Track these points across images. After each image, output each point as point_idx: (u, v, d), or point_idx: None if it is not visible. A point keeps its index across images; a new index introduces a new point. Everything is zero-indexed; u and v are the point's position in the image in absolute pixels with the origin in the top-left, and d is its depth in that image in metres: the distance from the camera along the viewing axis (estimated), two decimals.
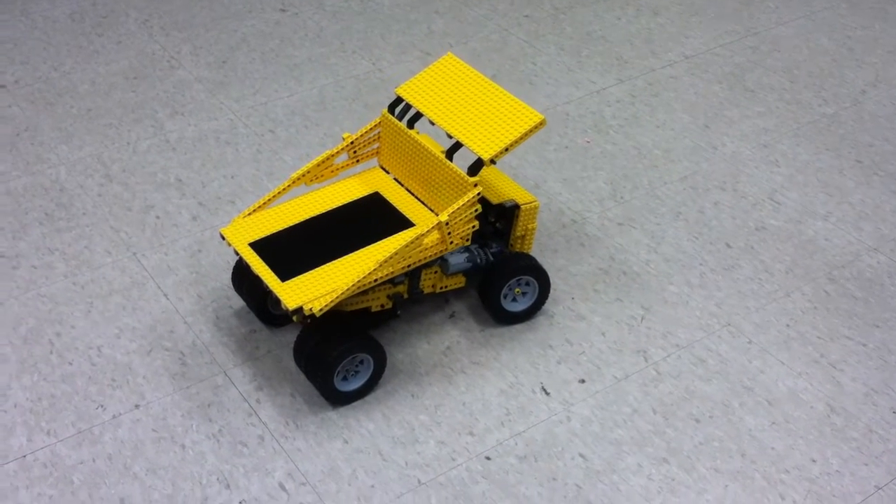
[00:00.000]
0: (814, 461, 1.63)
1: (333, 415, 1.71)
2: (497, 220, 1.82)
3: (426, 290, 1.79)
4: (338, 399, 1.71)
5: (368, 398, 1.73)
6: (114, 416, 1.68)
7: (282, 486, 1.59)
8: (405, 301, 1.79)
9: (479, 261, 1.79)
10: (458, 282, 1.82)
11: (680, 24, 2.85)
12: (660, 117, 2.45)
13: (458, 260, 1.76)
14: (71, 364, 1.77)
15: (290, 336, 1.84)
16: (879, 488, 1.59)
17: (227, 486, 1.58)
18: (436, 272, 1.77)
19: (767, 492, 1.58)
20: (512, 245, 1.85)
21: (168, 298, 1.91)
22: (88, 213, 2.10)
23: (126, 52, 2.64)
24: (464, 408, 1.73)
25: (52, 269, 1.96)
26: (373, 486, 1.59)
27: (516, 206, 1.79)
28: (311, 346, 1.66)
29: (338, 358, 1.65)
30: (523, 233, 1.83)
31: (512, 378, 1.78)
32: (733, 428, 1.69)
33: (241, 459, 1.63)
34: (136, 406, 1.70)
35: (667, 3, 2.95)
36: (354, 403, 1.72)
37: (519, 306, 1.85)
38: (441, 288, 1.80)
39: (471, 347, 1.84)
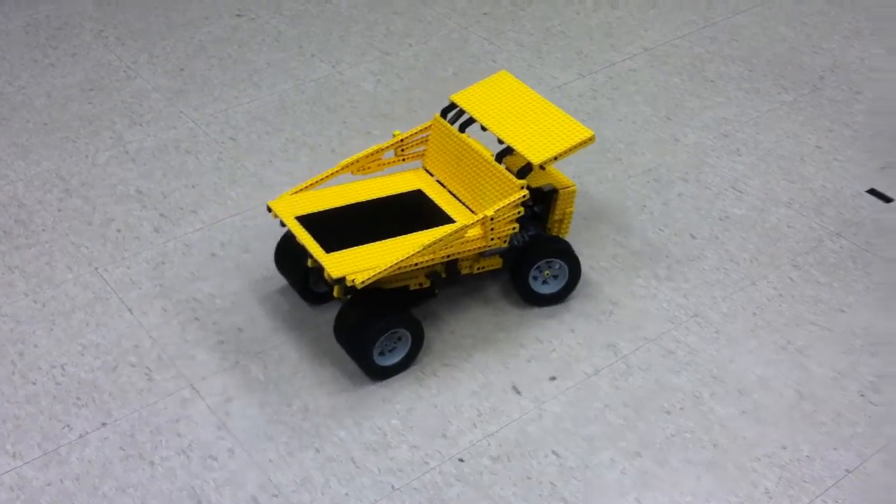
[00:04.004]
0: (784, 448, 1.64)
1: (305, 424, 1.69)
2: (535, 203, 1.88)
3: (464, 271, 1.85)
4: (376, 373, 1.76)
5: (338, 405, 1.72)
6: (80, 436, 1.66)
7: (254, 499, 1.57)
8: (443, 280, 1.84)
9: (515, 242, 1.84)
10: (495, 263, 1.87)
11: (638, 16, 2.85)
12: (622, 110, 2.45)
13: None
14: (34, 384, 1.75)
15: (256, 346, 1.83)
16: (849, 472, 1.60)
17: (199, 502, 1.57)
18: (475, 253, 1.83)
19: (740, 480, 1.59)
20: (549, 229, 1.91)
21: (132, 313, 1.89)
22: (48, 228, 2.08)
23: (82, 64, 2.61)
24: (436, 410, 1.72)
25: (12, 288, 1.93)
26: (346, 495, 1.58)
27: (554, 191, 1.86)
28: (351, 322, 1.72)
29: (378, 332, 1.71)
30: (561, 217, 1.89)
31: (483, 378, 1.78)
32: (704, 418, 1.69)
33: (212, 474, 1.61)
34: (103, 424, 1.68)
35: None
36: (324, 410, 1.71)
37: (549, 289, 1.88)
38: (479, 269, 1.86)
39: (442, 349, 1.83)
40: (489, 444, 1.66)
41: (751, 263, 2.00)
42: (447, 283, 1.83)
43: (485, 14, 2.88)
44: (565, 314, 1.90)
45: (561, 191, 1.85)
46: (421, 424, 1.70)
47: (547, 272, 1.86)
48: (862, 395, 1.72)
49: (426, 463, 1.63)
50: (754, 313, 1.89)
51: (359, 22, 2.85)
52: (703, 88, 2.54)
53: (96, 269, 1.98)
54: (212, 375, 1.77)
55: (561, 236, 1.91)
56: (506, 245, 1.81)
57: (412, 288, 1.80)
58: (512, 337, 1.85)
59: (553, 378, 1.78)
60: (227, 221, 2.13)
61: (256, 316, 1.90)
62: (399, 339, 1.75)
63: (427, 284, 1.81)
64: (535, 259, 1.83)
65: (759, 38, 2.73)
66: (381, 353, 1.75)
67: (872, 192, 2.17)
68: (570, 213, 1.89)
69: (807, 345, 1.82)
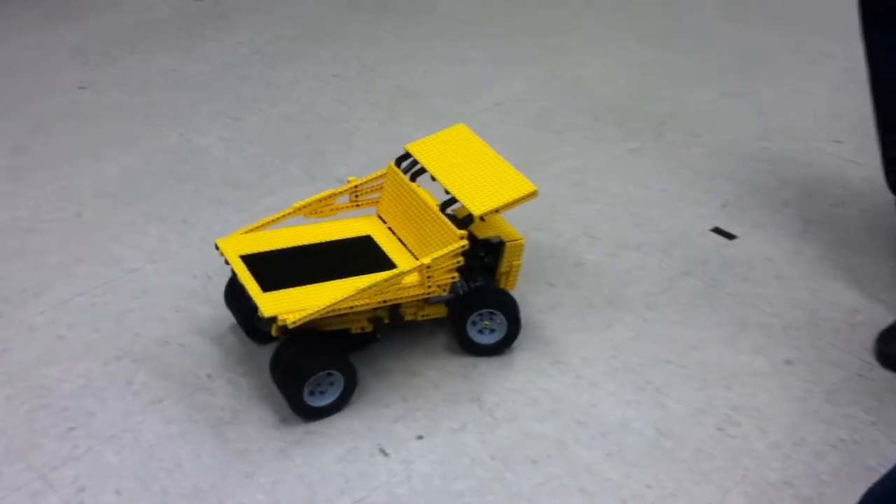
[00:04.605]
0: (649, 487, 1.66)
1: None
2: (486, 254, 1.90)
3: (408, 317, 1.86)
4: (306, 413, 1.76)
5: (200, 485, 1.66)
6: None
7: None
8: (386, 326, 1.85)
9: (460, 292, 1.87)
10: (440, 312, 1.89)
11: (486, 72, 2.92)
12: None
13: None
14: None
15: (109, 430, 1.75)
16: None
17: None
18: (418, 301, 1.83)
19: None
20: (497, 280, 1.92)
21: None
22: None
23: None
24: (301, 481, 1.68)
25: None
26: None
27: (501, 243, 1.88)
28: (285, 361, 1.75)
29: (309, 372, 1.72)
30: (508, 269, 1.92)
31: (349, 443, 1.75)
32: (570, 464, 1.70)
33: None
34: None
35: (472, 54, 3.02)
36: (185, 492, 1.65)
37: (487, 339, 1.90)
38: (423, 316, 1.88)
39: None
40: None
41: (606, 307, 2.04)
42: (390, 328, 1.86)
43: (335, 76, 2.90)
44: (428, 371, 1.89)
45: (508, 243, 1.89)
46: (287, 497, 1.65)
47: (487, 322, 1.88)
48: (719, 429, 1.77)
49: None
50: (612, 356, 1.92)
51: (207, 89, 2.82)
52: (552, 140, 2.60)
53: None
54: (63, 464, 1.69)
55: (508, 289, 1.94)
56: (446, 294, 1.84)
57: (354, 331, 1.82)
58: (375, 398, 1.83)
59: (420, 437, 1.76)
60: (74, 301, 2.05)
61: (108, 398, 1.83)
62: (332, 381, 1.77)
63: (369, 329, 1.83)
64: (474, 308, 1.87)
65: (602, 89, 2.83)
66: (313, 394, 1.76)
67: (716, 230, 2.26)
68: (518, 265, 1.93)
69: (664, 383, 1.86)
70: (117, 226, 2.26)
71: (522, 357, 1.92)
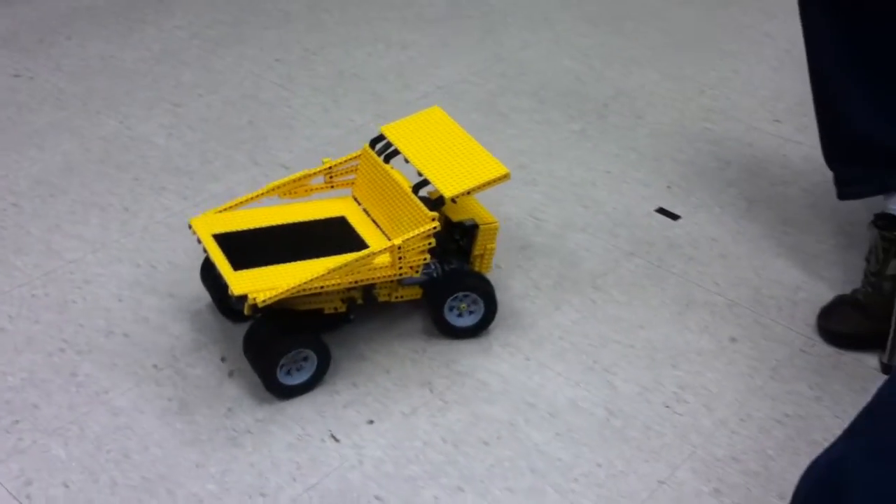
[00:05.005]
0: (599, 465, 1.68)
1: (113, 499, 1.60)
2: (462, 237, 1.91)
3: (381, 299, 1.86)
4: (279, 392, 1.77)
5: (149, 475, 1.64)
6: None
7: None
8: (360, 307, 1.86)
9: (434, 275, 1.87)
10: (415, 293, 1.90)
11: (430, 56, 2.91)
12: None
13: None
14: None
15: (55, 422, 1.72)
16: (662, 482, 1.65)
17: None
18: (392, 282, 1.84)
19: (560, 503, 1.62)
20: (471, 264, 1.93)
21: None
22: None
23: None
24: (252, 469, 1.67)
25: None
26: None
27: (475, 226, 1.89)
28: (258, 339, 1.76)
29: (283, 351, 1.73)
30: (482, 252, 1.92)
31: (299, 430, 1.74)
32: (521, 445, 1.71)
33: None
34: None
35: (415, 37, 3.01)
36: (134, 482, 1.63)
37: (464, 322, 1.91)
38: (397, 298, 1.88)
39: (254, 404, 1.78)
40: (311, 498, 1.62)
41: (554, 289, 2.05)
42: (364, 309, 1.87)
43: (276, 60, 2.86)
44: (378, 356, 1.89)
45: (482, 226, 1.90)
46: (238, 486, 1.64)
47: (463, 305, 1.89)
48: (667, 407, 1.79)
49: None
50: (561, 337, 1.93)
51: (145, 75, 2.77)
52: (497, 123, 2.60)
53: None
54: (8, 458, 1.65)
55: (482, 272, 1.94)
56: (418, 275, 1.84)
57: (327, 311, 1.82)
58: (325, 384, 1.82)
59: (371, 422, 1.76)
60: (13, 293, 2.00)
61: (53, 390, 1.80)
62: (305, 359, 1.78)
63: (343, 309, 1.83)
64: (450, 291, 1.87)
65: (546, 72, 2.83)
66: (288, 373, 1.77)
67: (661, 210, 2.28)
68: (492, 249, 1.94)
69: (612, 363, 1.88)
70: (56, 215, 2.22)
71: (472, 340, 1.92)
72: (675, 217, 2.26)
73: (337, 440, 1.72)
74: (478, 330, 1.93)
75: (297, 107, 2.65)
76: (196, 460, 1.68)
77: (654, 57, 2.90)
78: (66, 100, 2.63)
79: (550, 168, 2.42)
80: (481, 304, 1.90)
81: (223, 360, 1.87)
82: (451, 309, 1.89)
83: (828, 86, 1.93)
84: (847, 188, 2.00)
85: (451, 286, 1.88)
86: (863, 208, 2.15)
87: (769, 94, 2.71)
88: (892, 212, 1.91)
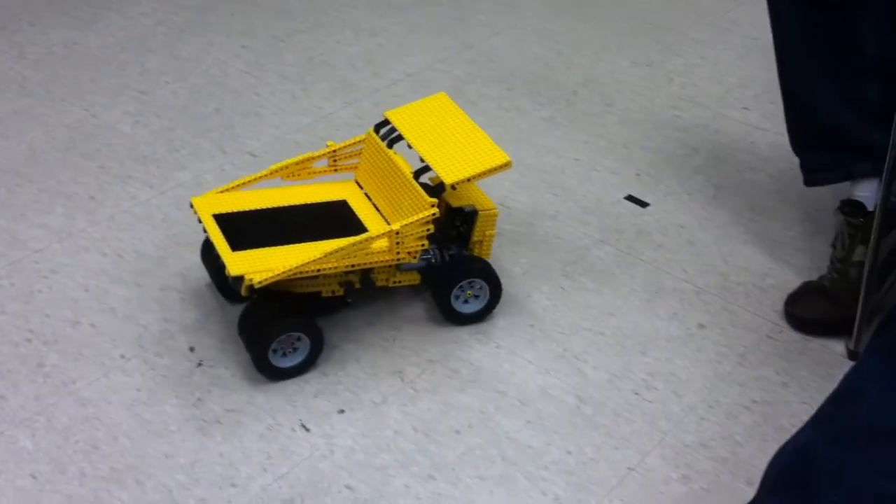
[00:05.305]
0: (569, 453, 1.69)
1: (82, 490, 1.59)
2: (462, 223, 1.92)
3: (379, 283, 1.86)
4: (271, 374, 1.77)
5: (116, 466, 1.63)
6: None
7: None
8: (357, 292, 1.86)
9: (433, 261, 1.87)
10: (413, 279, 1.90)
11: (399, 43, 2.89)
12: None
13: None
14: None
15: (22, 413, 1.70)
16: (632, 469, 1.66)
17: None
18: (390, 266, 1.84)
19: (530, 490, 1.62)
20: (470, 249, 1.93)
21: None
22: None
23: None
24: (222, 459, 1.66)
25: None
26: None
27: (475, 212, 1.89)
28: (252, 320, 1.76)
29: (276, 333, 1.72)
30: (481, 238, 1.93)
31: (270, 420, 1.73)
32: (492, 433, 1.72)
33: None
34: None
35: (384, 24, 2.99)
36: (102, 473, 1.61)
37: (470, 308, 1.91)
38: (395, 283, 1.88)
39: (223, 394, 1.77)
40: (281, 487, 1.62)
41: (524, 276, 2.06)
42: (362, 293, 1.87)
43: (244, 47, 2.84)
44: (348, 344, 1.88)
45: (481, 212, 1.90)
46: (207, 476, 1.63)
47: (469, 292, 1.89)
48: (637, 394, 1.80)
49: None
50: (531, 325, 1.94)
51: (110, 62, 2.73)
52: (466, 110, 2.57)
53: None
54: None
55: (482, 256, 1.96)
56: (416, 261, 1.84)
57: (324, 295, 1.82)
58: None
59: (342, 411, 1.75)
60: None
61: (19, 381, 1.78)
62: (298, 342, 1.78)
63: (340, 293, 1.83)
64: (457, 279, 1.88)
65: (515, 59, 2.83)
66: (280, 354, 1.77)
67: (630, 198, 2.29)
68: (491, 235, 1.94)
69: (583, 350, 1.88)
70: (21, 205, 2.19)
71: (442, 328, 1.92)
72: (644, 204, 2.27)
73: (307, 430, 1.72)
74: (483, 315, 1.93)
75: (266, 94, 2.63)
76: (165, 451, 1.67)
77: (622, 44, 2.91)
78: (29, 87, 2.59)
79: (520, 155, 2.42)
80: (486, 290, 1.91)
81: (192, 349, 1.85)
82: (456, 297, 1.90)
83: (795, 73, 1.94)
84: (814, 175, 2.02)
85: (458, 274, 1.89)
86: (829, 195, 2.17)
87: (736, 82, 2.72)
88: (858, 198, 1.92)
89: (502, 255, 2.10)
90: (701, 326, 1.94)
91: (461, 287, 1.89)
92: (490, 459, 1.67)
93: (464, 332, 1.91)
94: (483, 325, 1.93)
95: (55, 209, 2.19)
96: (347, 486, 1.62)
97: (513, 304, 1.98)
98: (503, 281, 1.99)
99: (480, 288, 1.91)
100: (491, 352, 1.88)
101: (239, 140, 2.45)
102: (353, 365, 1.84)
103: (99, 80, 2.65)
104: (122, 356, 1.84)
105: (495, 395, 1.79)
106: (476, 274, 1.90)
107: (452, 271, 1.89)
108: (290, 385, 1.79)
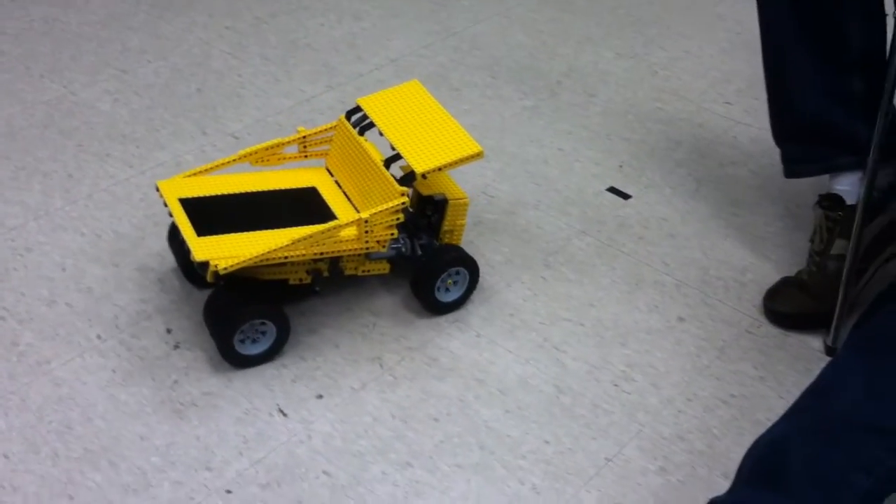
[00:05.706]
0: (547, 442, 1.69)
1: (54, 471, 1.57)
2: (433, 213, 1.90)
3: (348, 272, 1.84)
4: (236, 361, 1.75)
5: (90, 447, 1.61)
6: None
7: None
8: (327, 280, 1.84)
9: (403, 250, 1.86)
10: (382, 268, 1.88)
11: (382, 28, 2.87)
12: None
13: None
14: None
15: None
16: (609, 459, 1.67)
17: None
18: (359, 255, 1.82)
19: (508, 479, 1.62)
20: (441, 238, 1.92)
21: None
22: None
23: None
24: (198, 442, 1.65)
25: None
26: None
27: (445, 201, 1.88)
28: (218, 306, 1.74)
29: (241, 320, 1.70)
30: (451, 227, 1.92)
31: (247, 404, 1.72)
32: (470, 422, 1.72)
33: None
34: None
35: (367, 7, 2.97)
36: (76, 454, 1.60)
37: (450, 296, 1.91)
38: (364, 272, 1.86)
39: (200, 377, 1.76)
40: (257, 472, 1.61)
41: (505, 266, 2.05)
42: (329, 282, 1.85)
43: (227, 28, 2.81)
44: (327, 330, 1.87)
45: (451, 201, 1.89)
46: (183, 459, 1.62)
47: (449, 281, 1.89)
48: (615, 386, 1.80)
49: (191, 499, 1.56)
50: (511, 314, 1.94)
51: (91, 39, 2.70)
52: (449, 97, 2.59)
53: None
54: None
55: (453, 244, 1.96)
56: (384, 250, 1.83)
57: (292, 282, 1.80)
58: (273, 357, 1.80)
59: (320, 396, 1.75)
60: None
61: None
62: (264, 329, 1.76)
63: (308, 281, 1.81)
64: (439, 270, 1.87)
65: (499, 47, 2.82)
66: (244, 342, 1.75)
67: (612, 189, 2.29)
68: (461, 224, 1.93)
69: (562, 341, 1.88)
70: None
71: (422, 316, 1.92)
72: (626, 196, 2.27)
73: (285, 415, 1.71)
74: (463, 301, 1.93)
75: (248, 76, 2.61)
76: (140, 433, 1.65)
77: (606, 35, 2.90)
78: (8, 63, 2.56)
79: (502, 144, 2.42)
80: (466, 276, 1.91)
81: (169, 331, 1.84)
82: (438, 288, 1.89)
83: (780, 63, 1.94)
84: (794, 166, 2.02)
85: (440, 265, 1.87)
86: (810, 191, 2.18)
87: (720, 76, 2.73)
88: (836, 192, 1.93)
89: (483, 244, 2.10)
90: (680, 319, 1.94)
91: (442, 278, 1.88)
92: (468, 448, 1.67)
93: (443, 321, 1.91)
94: (463, 314, 1.92)
95: (32, 186, 2.16)
96: (325, 472, 1.61)
97: (493, 294, 1.98)
98: (483, 270, 1.99)
99: (458, 274, 1.91)
100: (470, 340, 1.87)
101: (220, 121, 2.43)
102: (331, 350, 1.83)
103: (79, 57, 2.62)
104: (98, 336, 1.83)
105: (474, 384, 1.79)
106: (457, 262, 1.90)
107: (433, 263, 1.88)
108: (268, 369, 1.78)
